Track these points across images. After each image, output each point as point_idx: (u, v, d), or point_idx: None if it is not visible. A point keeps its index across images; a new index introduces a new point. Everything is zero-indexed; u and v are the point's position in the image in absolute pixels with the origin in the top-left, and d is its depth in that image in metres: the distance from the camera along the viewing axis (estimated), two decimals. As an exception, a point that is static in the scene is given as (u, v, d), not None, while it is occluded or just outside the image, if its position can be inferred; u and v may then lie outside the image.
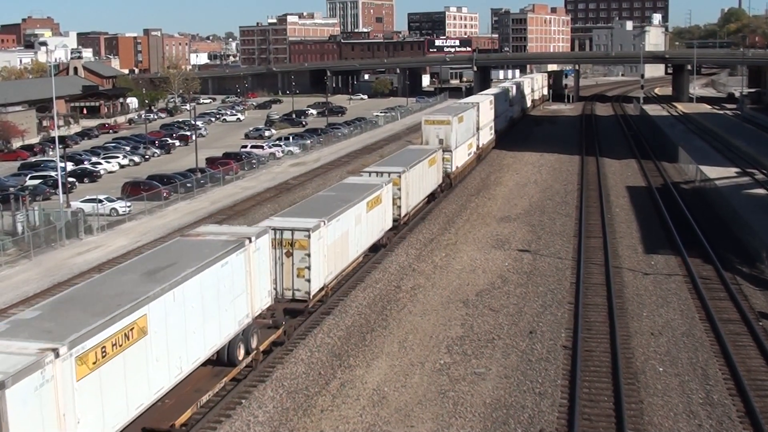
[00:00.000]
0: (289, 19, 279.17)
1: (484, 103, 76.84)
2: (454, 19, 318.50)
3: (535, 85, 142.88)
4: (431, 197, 55.02)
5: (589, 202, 56.10)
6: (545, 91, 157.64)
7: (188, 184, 63.84)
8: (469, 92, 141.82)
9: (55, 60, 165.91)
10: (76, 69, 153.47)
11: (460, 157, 63.56)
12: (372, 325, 32.44)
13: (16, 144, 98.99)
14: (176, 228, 51.44)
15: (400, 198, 45.22)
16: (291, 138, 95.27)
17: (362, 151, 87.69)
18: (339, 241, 34.66)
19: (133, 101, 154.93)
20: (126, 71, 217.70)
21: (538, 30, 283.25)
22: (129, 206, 56.39)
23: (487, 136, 78.92)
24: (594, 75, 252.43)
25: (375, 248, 41.62)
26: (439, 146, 57.83)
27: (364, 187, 40.06)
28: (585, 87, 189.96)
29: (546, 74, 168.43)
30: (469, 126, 67.65)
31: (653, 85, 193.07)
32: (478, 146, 73.33)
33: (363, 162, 72.75)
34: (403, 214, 46.42)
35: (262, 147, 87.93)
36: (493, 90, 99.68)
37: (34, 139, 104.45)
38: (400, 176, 45.19)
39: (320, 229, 32.20)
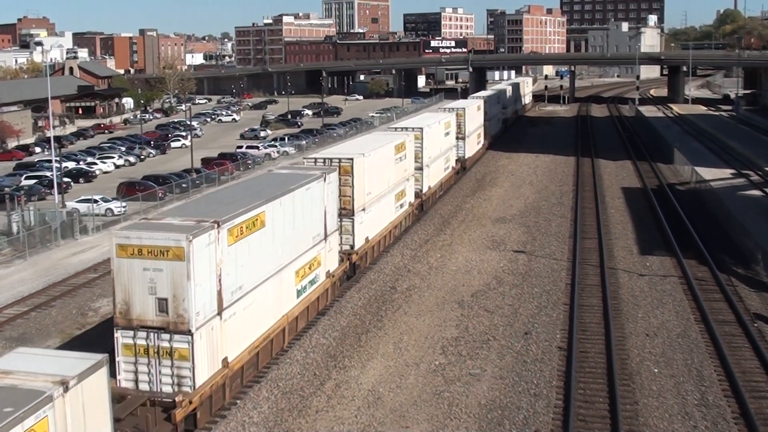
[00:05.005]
0: (285, 19, 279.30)
1: (401, 144, 44.91)
2: (450, 20, 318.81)
3: (533, 87, 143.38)
4: None
5: (585, 203, 56.12)
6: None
7: (183, 185, 63.78)
8: (465, 93, 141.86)
9: (51, 60, 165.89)
10: (71, 69, 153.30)
11: (247, 337, 25.99)
12: (367, 325, 32.44)
13: (12, 144, 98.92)
14: (171, 228, 51.34)
15: None
16: (286, 138, 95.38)
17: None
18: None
19: (128, 101, 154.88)
20: (121, 71, 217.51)
21: (533, 31, 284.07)
22: (124, 206, 56.35)
23: (402, 208, 46.26)
24: (590, 76, 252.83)
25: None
26: (157, 328, 22.56)
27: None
28: (580, 88, 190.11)
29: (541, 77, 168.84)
30: (310, 227, 31.51)
31: (649, 87, 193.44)
32: (349, 252, 36.86)
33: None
34: None
35: (257, 147, 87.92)
36: (439, 117, 60.45)
37: (29, 139, 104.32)
38: None
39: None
